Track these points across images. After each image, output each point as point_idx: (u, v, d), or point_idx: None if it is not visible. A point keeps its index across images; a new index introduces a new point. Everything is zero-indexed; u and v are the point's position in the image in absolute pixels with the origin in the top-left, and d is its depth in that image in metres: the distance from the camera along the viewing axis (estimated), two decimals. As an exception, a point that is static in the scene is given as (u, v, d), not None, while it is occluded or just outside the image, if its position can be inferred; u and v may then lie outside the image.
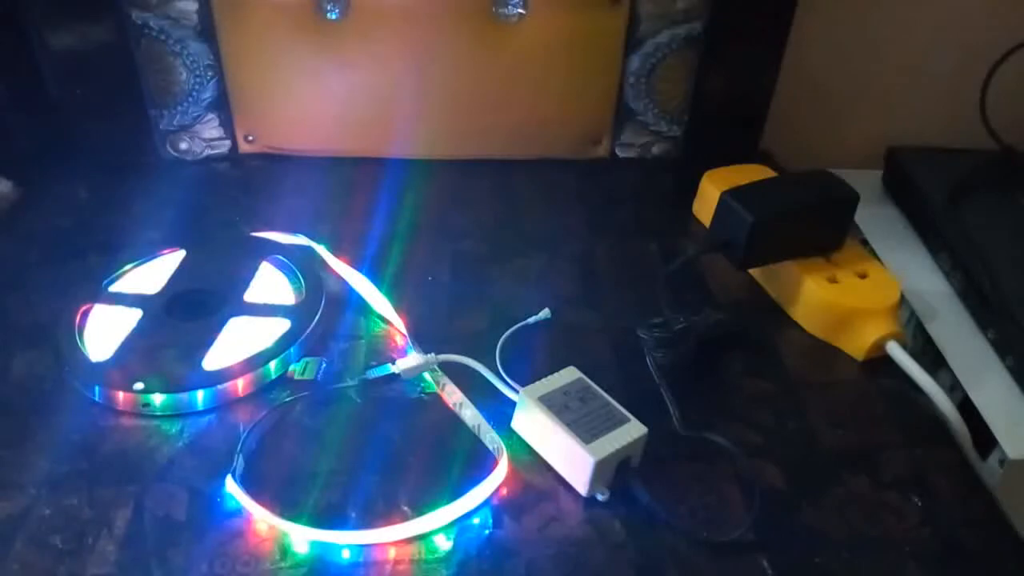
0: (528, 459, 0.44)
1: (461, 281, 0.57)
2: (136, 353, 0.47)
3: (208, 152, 0.69)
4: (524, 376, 0.46)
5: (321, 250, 0.57)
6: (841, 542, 0.41)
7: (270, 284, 0.53)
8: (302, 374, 0.48)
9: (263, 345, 0.48)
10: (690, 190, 0.66)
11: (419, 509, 0.40)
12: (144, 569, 0.37)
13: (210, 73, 0.66)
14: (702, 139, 0.71)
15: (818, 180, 0.57)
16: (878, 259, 0.60)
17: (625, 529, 0.40)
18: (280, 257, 0.55)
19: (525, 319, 0.52)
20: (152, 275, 0.53)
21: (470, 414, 0.45)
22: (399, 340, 0.51)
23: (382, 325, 0.52)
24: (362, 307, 0.54)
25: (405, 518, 0.40)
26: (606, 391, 0.44)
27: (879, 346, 0.52)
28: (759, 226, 0.52)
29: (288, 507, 0.40)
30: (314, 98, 0.67)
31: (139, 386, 0.45)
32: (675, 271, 0.55)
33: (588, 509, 0.41)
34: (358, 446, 0.44)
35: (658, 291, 0.54)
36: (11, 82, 0.64)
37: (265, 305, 0.52)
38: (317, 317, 0.51)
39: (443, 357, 0.48)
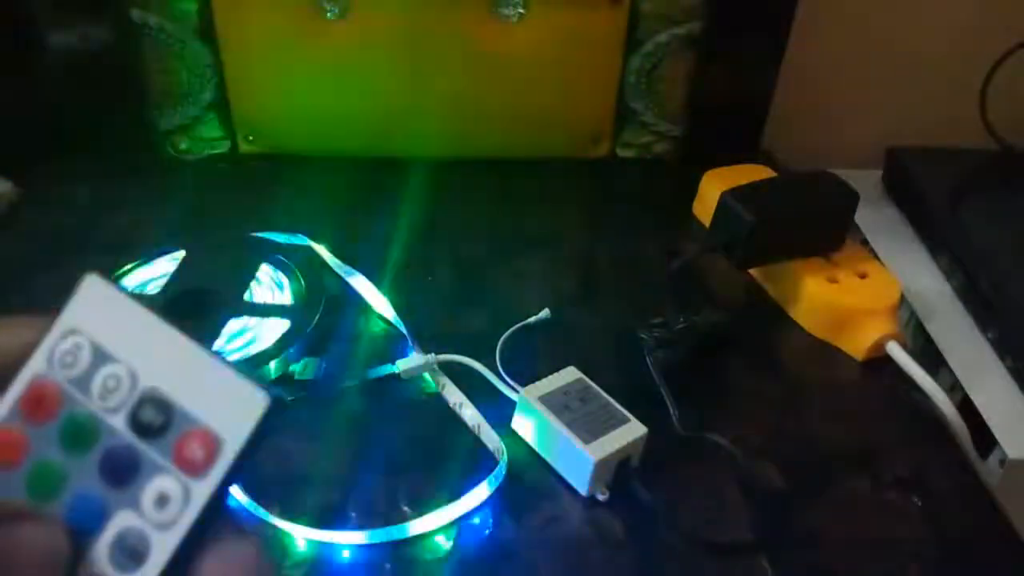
0: (528, 459, 0.44)
1: (461, 281, 0.57)
2: (136, 353, 0.47)
3: (208, 152, 0.69)
4: (524, 376, 0.46)
5: (321, 250, 0.57)
6: (841, 542, 0.41)
7: (270, 284, 0.53)
8: (302, 374, 0.48)
9: (263, 345, 0.48)
10: (690, 190, 0.66)
11: (419, 509, 0.40)
12: (144, 569, 0.37)
13: (210, 73, 0.66)
14: (702, 139, 0.71)
15: (818, 180, 0.57)
16: (878, 259, 0.60)
17: (625, 529, 0.40)
18: (280, 257, 0.55)
19: (525, 319, 0.52)
20: (152, 275, 0.53)
21: (470, 414, 0.45)
22: (399, 340, 0.51)
23: (382, 325, 0.52)
24: (362, 307, 0.54)
25: (405, 518, 0.40)
26: (606, 391, 0.44)
27: (879, 346, 0.52)
28: (759, 226, 0.52)
29: (288, 507, 0.40)
30: (314, 98, 0.67)
31: (139, 386, 0.45)
32: (675, 271, 0.55)
33: (588, 509, 0.41)
34: (358, 446, 0.44)
35: (658, 291, 0.54)
36: (11, 82, 0.63)
37: (265, 305, 0.52)
38: (317, 317, 0.51)
39: (443, 357, 0.48)
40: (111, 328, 0.20)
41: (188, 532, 0.18)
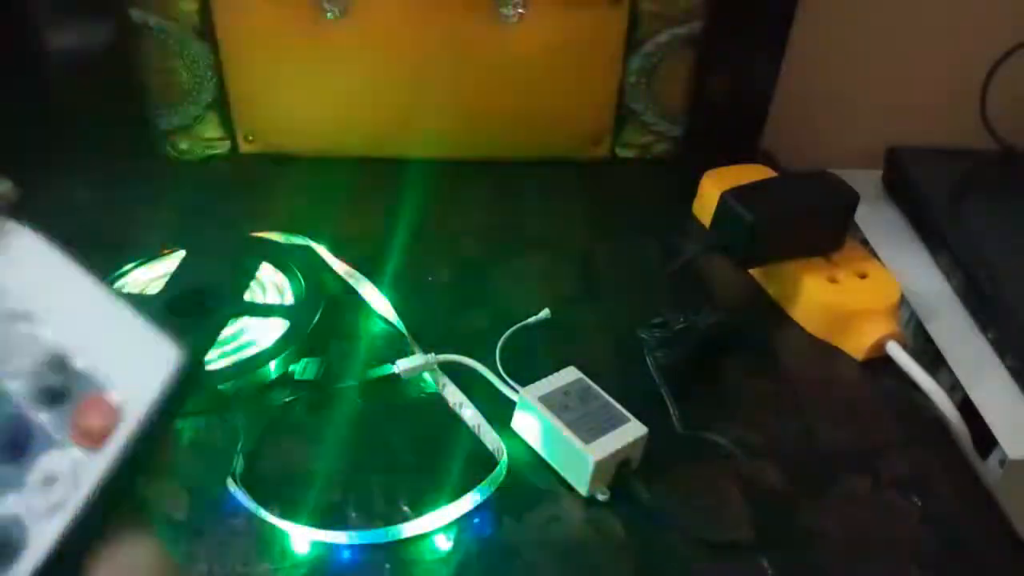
0: (528, 459, 0.44)
1: (461, 281, 0.57)
2: (136, 353, 0.47)
3: (208, 152, 0.69)
4: (524, 376, 0.46)
5: (321, 250, 0.57)
6: (841, 542, 0.41)
7: (270, 284, 0.53)
8: (302, 374, 0.48)
9: (263, 345, 0.48)
10: (690, 190, 0.66)
11: (419, 509, 0.40)
12: (144, 569, 0.37)
13: (210, 73, 0.66)
14: (702, 139, 0.71)
15: (818, 180, 0.57)
16: (878, 259, 0.60)
17: (625, 529, 0.40)
18: (280, 257, 0.55)
19: (525, 319, 0.52)
20: (152, 275, 0.53)
21: (470, 414, 0.45)
22: (399, 340, 0.51)
23: (382, 325, 0.52)
24: (362, 307, 0.54)
25: (405, 518, 0.40)
26: (606, 391, 0.44)
27: (879, 346, 0.52)
28: (759, 226, 0.52)
29: (288, 507, 0.40)
30: (314, 98, 0.67)
31: (139, 386, 0.45)
32: (675, 271, 0.55)
33: (588, 509, 0.41)
34: (358, 446, 0.44)
35: (658, 291, 0.54)
36: (11, 82, 0.63)
37: (265, 305, 0.52)
38: (317, 317, 0.51)
39: (443, 357, 0.48)
40: (15, 275, 0.17)
41: (75, 521, 0.14)
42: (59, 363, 0.16)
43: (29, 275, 0.17)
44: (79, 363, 0.16)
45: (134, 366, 0.16)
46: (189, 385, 0.16)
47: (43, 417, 0.16)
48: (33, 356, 0.16)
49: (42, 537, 0.14)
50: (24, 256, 0.17)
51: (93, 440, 0.15)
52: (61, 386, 0.16)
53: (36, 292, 0.17)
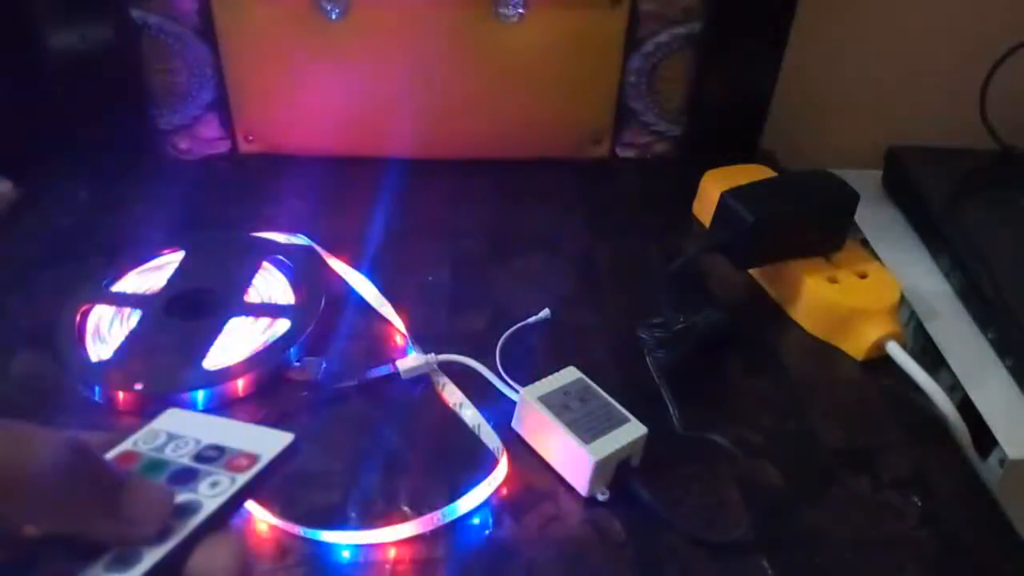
0: (528, 459, 0.44)
1: (461, 281, 0.57)
2: (136, 353, 0.47)
3: (208, 152, 0.69)
4: (524, 376, 0.46)
5: (321, 250, 0.57)
6: (841, 542, 0.41)
7: (270, 284, 0.53)
8: (302, 374, 0.48)
9: (263, 345, 0.48)
10: (690, 190, 0.66)
11: (419, 509, 0.40)
12: (144, 569, 0.37)
13: (210, 73, 0.66)
14: (702, 139, 0.71)
15: (818, 180, 0.57)
16: (878, 259, 0.60)
17: (625, 529, 0.40)
18: (280, 257, 0.55)
19: (525, 319, 0.52)
20: (152, 275, 0.53)
21: (470, 414, 0.46)
22: (399, 340, 0.51)
23: (382, 325, 0.52)
24: (362, 307, 0.54)
25: (405, 518, 0.40)
26: (606, 391, 0.44)
27: (879, 346, 0.52)
28: (759, 226, 0.52)
29: (288, 507, 0.40)
30: (314, 98, 0.67)
31: (139, 386, 0.45)
32: (675, 271, 0.55)
33: (588, 509, 0.41)
34: (358, 446, 0.44)
35: (658, 291, 0.54)
36: (11, 81, 0.63)
37: (265, 305, 0.52)
38: (317, 317, 0.51)
39: (443, 357, 0.48)
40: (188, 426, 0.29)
41: (226, 500, 0.25)
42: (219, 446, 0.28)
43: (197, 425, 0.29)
44: (232, 446, 0.28)
45: (268, 442, 0.28)
46: (292, 452, 0.28)
47: (208, 465, 0.27)
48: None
49: (208, 506, 0.25)
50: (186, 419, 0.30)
51: (240, 469, 0.26)
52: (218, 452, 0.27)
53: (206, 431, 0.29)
